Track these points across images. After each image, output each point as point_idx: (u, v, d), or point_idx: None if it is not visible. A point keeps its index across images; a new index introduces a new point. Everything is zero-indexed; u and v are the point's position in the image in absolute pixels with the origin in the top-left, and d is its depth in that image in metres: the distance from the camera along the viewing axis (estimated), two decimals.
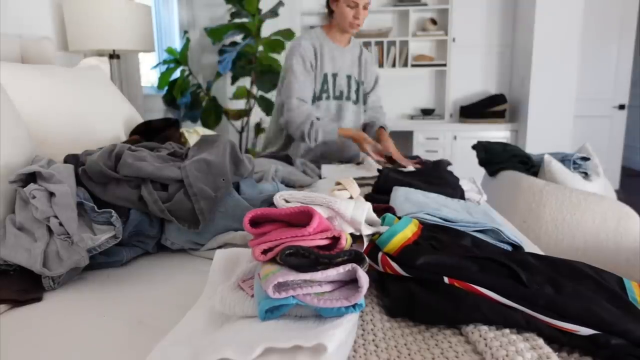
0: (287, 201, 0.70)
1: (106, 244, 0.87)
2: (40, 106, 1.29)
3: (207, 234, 0.98)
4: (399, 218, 0.78)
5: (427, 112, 4.19)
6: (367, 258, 0.60)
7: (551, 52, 3.67)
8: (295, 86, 1.84)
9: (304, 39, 1.90)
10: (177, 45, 3.81)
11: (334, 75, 1.94)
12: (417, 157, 1.85)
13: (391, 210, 0.96)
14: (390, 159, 1.80)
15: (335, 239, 0.59)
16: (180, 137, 1.64)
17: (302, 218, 0.61)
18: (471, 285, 0.61)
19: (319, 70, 1.91)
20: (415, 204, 0.99)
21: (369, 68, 2.04)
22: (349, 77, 1.96)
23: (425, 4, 4.03)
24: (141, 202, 0.93)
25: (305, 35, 1.93)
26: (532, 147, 3.71)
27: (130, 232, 0.92)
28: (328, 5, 1.89)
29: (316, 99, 1.94)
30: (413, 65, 4.12)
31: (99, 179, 0.94)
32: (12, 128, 1.04)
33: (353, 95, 1.99)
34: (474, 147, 2.42)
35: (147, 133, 1.55)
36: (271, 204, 1.00)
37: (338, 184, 1.10)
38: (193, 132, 1.75)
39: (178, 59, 3.41)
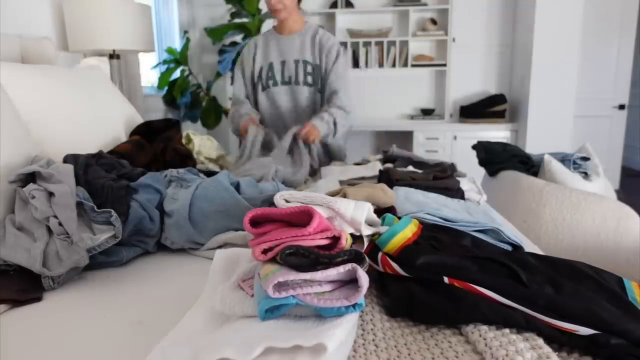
0: (287, 201, 0.70)
1: (106, 243, 0.87)
2: (40, 106, 1.29)
3: (207, 234, 0.98)
4: (399, 218, 0.78)
5: (427, 112, 4.18)
6: (367, 258, 0.60)
7: (551, 52, 3.67)
8: (233, 91, 2.07)
9: (249, 41, 2.10)
10: (177, 45, 3.81)
11: (282, 63, 1.98)
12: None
13: (392, 210, 0.96)
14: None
15: (335, 239, 0.59)
16: (180, 138, 1.63)
17: (302, 218, 0.61)
18: (471, 285, 0.61)
19: (261, 59, 2.00)
20: (416, 204, 0.99)
21: (324, 44, 1.97)
22: (296, 62, 1.96)
23: (425, 4, 4.03)
24: None
25: (250, 41, 2.10)
26: (532, 147, 3.71)
27: (130, 231, 0.92)
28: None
29: (264, 87, 2.00)
30: (413, 65, 4.11)
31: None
32: (12, 128, 1.04)
33: (308, 79, 1.96)
34: (474, 147, 2.42)
35: (147, 134, 1.55)
36: (271, 203, 1.00)
37: (343, 195, 0.99)
38: (207, 140, 1.76)
39: (178, 59, 3.42)
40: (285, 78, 1.98)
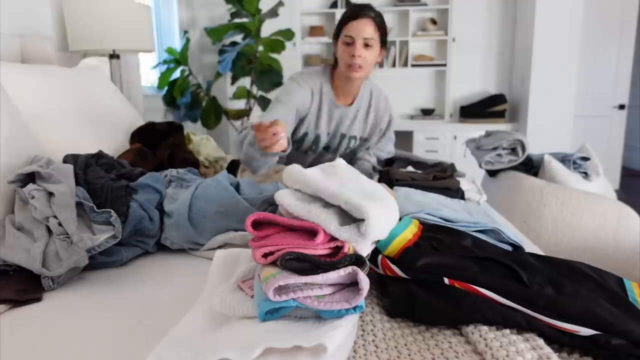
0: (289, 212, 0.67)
1: (105, 244, 0.87)
2: (40, 106, 1.29)
3: (207, 234, 0.97)
4: (400, 218, 0.78)
5: (427, 112, 4.18)
6: (367, 261, 0.59)
7: (551, 52, 3.67)
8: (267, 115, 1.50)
9: (303, 88, 1.54)
10: (177, 45, 3.80)
11: (328, 134, 1.65)
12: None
13: None
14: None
15: (338, 248, 0.59)
16: (186, 144, 1.62)
17: (306, 227, 0.61)
18: (471, 285, 0.61)
19: (308, 128, 1.60)
20: (416, 204, 0.99)
21: (379, 119, 1.70)
22: (343, 136, 1.66)
23: (425, 4, 4.02)
24: None
25: (307, 81, 1.57)
26: (532, 147, 3.69)
27: (130, 231, 0.92)
28: (334, 54, 1.55)
29: (302, 152, 1.69)
30: (413, 65, 4.11)
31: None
32: (12, 128, 1.04)
33: (347, 150, 1.72)
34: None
35: (149, 136, 1.53)
36: (272, 204, 1.00)
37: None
38: (206, 140, 1.75)
39: (178, 59, 3.41)
40: (325, 146, 1.67)
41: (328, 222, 0.59)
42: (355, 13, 1.44)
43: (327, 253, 0.59)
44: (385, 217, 0.65)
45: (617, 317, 0.54)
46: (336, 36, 1.50)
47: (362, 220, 0.59)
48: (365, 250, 0.64)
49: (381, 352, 0.55)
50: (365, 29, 1.42)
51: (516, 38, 4.03)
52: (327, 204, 0.65)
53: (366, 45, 1.44)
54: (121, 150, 1.47)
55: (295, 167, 0.69)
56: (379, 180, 1.32)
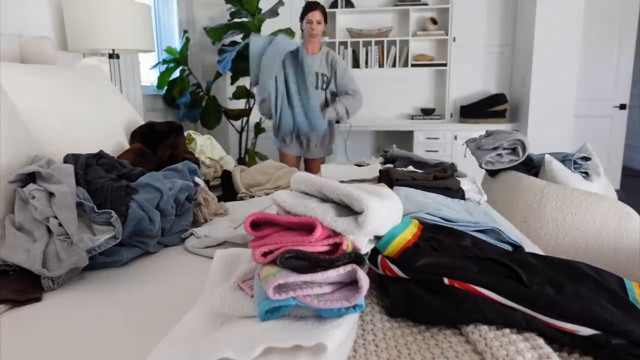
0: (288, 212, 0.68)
1: (106, 244, 0.87)
2: (40, 106, 1.29)
3: None
4: None
5: (427, 112, 4.18)
6: (366, 260, 0.59)
7: (552, 52, 3.67)
8: None
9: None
10: (177, 44, 3.81)
11: (315, 74, 2.79)
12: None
13: None
14: None
15: (337, 245, 0.59)
16: (186, 144, 1.62)
17: (304, 223, 0.61)
18: (471, 285, 0.61)
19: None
20: (416, 204, 0.99)
21: (337, 63, 2.78)
22: (316, 74, 2.76)
23: (425, 4, 4.02)
24: None
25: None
26: (532, 147, 3.69)
27: (130, 232, 0.92)
28: (301, 28, 2.77)
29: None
30: (413, 65, 4.11)
31: None
32: (12, 128, 1.04)
33: (320, 85, 2.79)
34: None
35: (149, 136, 1.53)
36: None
37: None
38: (207, 139, 1.76)
39: (177, 58, 3.41)
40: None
41: (324, 214, 0.59)
42: (311, 7, 2.68)
43: (326, 250, 0.59)
44: (385, 212, 0.65)
45: (617, 317, 0.54)
46: (301, 19, 2.72)
47: (361, 212, 0.59)
48: (362, 243, 0.64)
49: (381, 351, 0.55)
50: (316, 14, 2.67)
51: (517, 37, 4.03)
52: (323, 200, 0.65)
53: (317, 23, 2.66)
54: (121, 150, 1.47)
55: (301, 172, 0.72)
56: (379, 180, 1.32)
